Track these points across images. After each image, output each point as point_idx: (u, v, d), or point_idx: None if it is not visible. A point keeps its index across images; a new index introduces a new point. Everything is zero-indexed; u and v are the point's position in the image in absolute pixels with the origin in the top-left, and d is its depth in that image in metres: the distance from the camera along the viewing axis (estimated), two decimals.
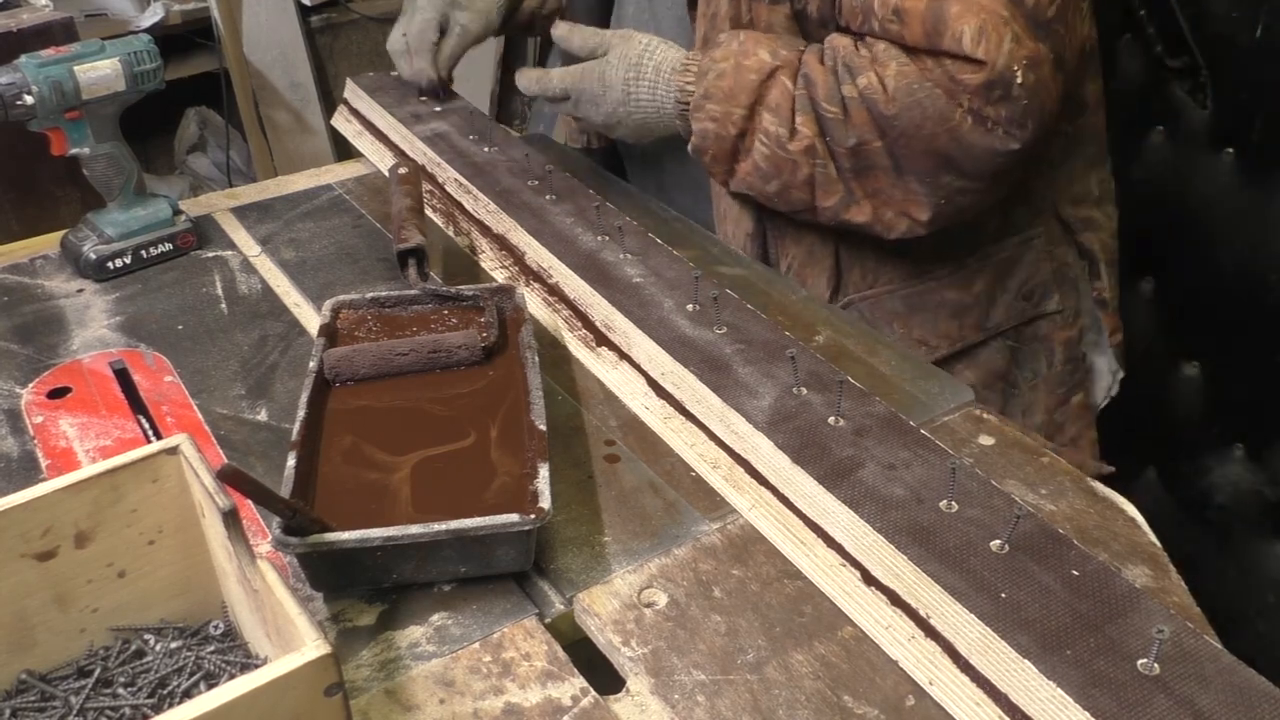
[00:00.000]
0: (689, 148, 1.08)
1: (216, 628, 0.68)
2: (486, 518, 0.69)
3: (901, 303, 1.12)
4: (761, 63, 1.00)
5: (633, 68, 1.10)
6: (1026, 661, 0.60)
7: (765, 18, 1.06)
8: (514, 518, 0.69)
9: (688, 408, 0.85)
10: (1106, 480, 0.82)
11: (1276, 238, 1.22)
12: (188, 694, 0.63)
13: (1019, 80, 0.89)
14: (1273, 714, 0.58)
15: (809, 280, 1.11)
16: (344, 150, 2.18)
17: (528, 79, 1.20)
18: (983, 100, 0.90)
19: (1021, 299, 1.15)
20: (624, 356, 0.92)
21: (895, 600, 0.67)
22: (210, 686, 0.60)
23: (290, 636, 0.56)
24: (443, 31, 1.32)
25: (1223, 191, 1.27)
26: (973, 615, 0.63)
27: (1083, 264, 1.19)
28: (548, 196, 1.12)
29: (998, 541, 0.68)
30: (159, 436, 0.88)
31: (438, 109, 1.33)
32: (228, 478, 0.60)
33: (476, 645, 0.68)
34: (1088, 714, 0.57)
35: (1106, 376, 1.23)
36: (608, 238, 1.04)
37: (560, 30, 1.20)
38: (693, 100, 1.04)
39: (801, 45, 1.02)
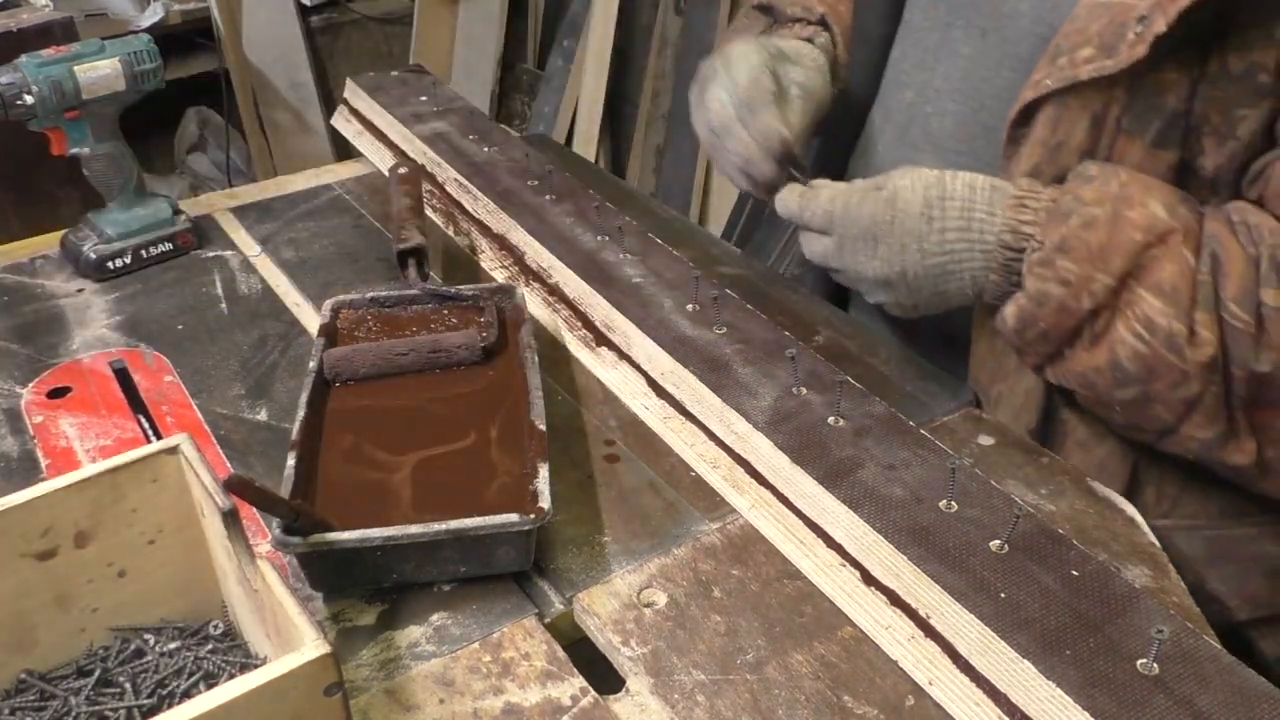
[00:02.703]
0: (1007, 316, 0.78)
1: (216, 628, 0.68)
2: (486, 518, 0.69)
3: (1203, 545, 0.84)
4: (1152, 219, 0.72)
5: (934, 185, 0.79)
6: (1026, 661, 0.60)
7: (1136, 161, 0.76)
8: (514, 518, 0.69)
9: (687, 408, 0.85)
10: None
11: None
12: (187, 694, 0.63)
13: None
14: (1272, 714, 0.58)
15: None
16: (344, 150, 2.18)
17: (790, 197, 0.87)
18: None
19: None
20: (624, 356, 0.92)
21: (895, 600, 0.67)
22: (210, 686, 0.60)
23: (290, 636, 0.56)
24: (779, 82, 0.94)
25: None
26: (972, 615, 0.63)
27: None
28: (548, 196, 1.12)
29: (997, 541, 0.68)
30: (159, 436, 0.88)
31: (437, 109, 1.33)
32: (234, 487, 0.60)
33: (476, 645, 0.68)
34: (1087, 714, 0.58)
35: None
36: (608, 238, 1.04)
37: (788, 199, 0.86)
38: (1038, 251, 0.75)
39: (1197, 205, 0.75)
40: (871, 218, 0.80)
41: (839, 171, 1.03)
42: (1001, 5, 0.85)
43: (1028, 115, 0.80)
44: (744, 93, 0.90)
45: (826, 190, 0.84)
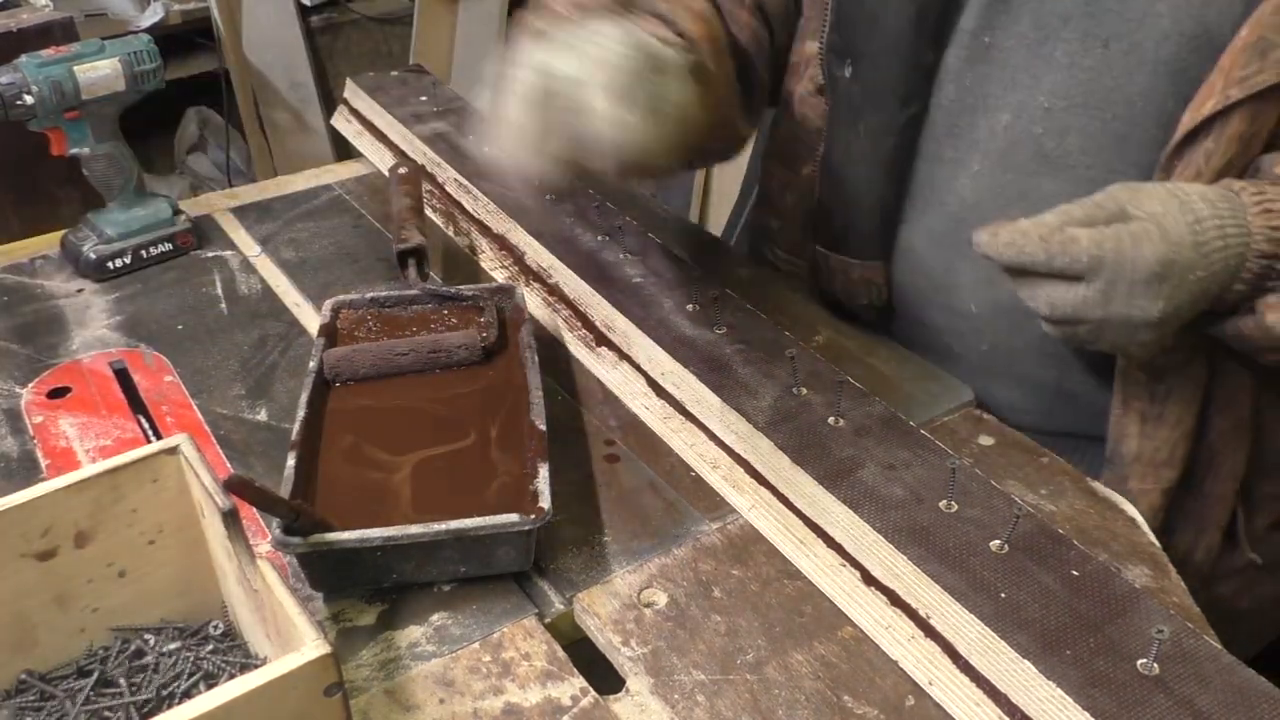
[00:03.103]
0: (1275, 323, 0.74)
1: (216, 628, 0.68)
2: (486, 518, 0.69)
3: None
4: None
5: (1186, 206, 0.72)
6: (1026, 661, 0.60)
7: None
8: (514, 518, 0.69)
9: (688, 408, 0.85)
10: None
11: None
12: (187, 694, 0.63)
13: None
14: (1272, 714, 0.58)
15: (1200, 542, 0.84)
16: (344, 150, 2.18)
17: (1023, 241, 0.72)
18: None
19: None
20: (624, 356, 0.92)
21: (895, 600, 0.67)
22: (210, 686, 0.60)
23: (290, 636, 0.56)
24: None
25: None
26: (972, 615, 0.63)
27: None
28: (548, 196, 1.12)
29: (997, 541, 0.68)
30: (159, 436, 0.88)
31: (437, 109, 1.33)
32: (234, 488, 0.60)
33: (476, 645, 0.68)
34: (1087, 714, 0.58)
35: None
36: (608, 238, 1.04)
37: (1012, 238, 0.72)
38: None
39: None
40: (1155, 258, 0.70)
41: (890, 213, 0.95)
42: (1127, 11, 0.82)
43: (1209, 121, 0.77)
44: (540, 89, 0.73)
45: (1085, 233, 0.72)
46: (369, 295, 0.94)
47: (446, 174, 1.20)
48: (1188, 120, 0.77)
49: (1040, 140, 0.86)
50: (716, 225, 2.46)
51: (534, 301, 1.02)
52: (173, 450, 0.64)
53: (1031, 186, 0.85)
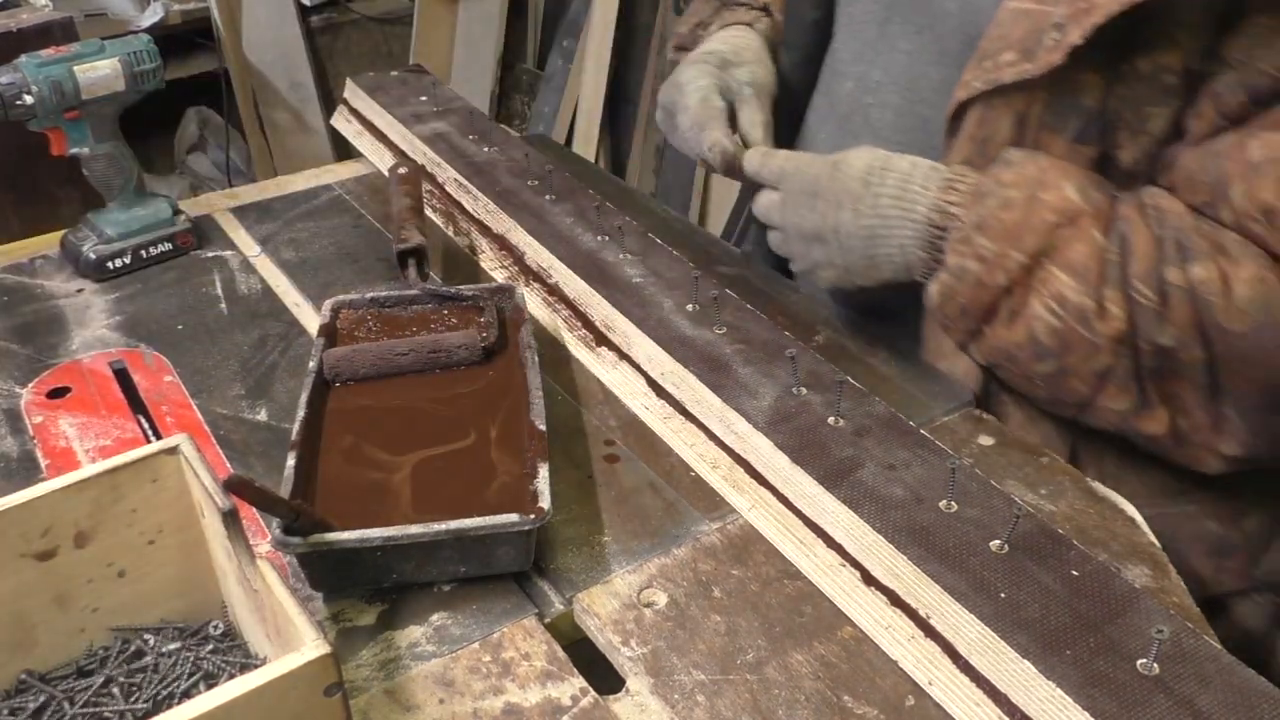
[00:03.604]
0: (931, 292, 0.83)
1: (216, 628, 0.68)
2: (486, 518, 0.69)
3: (1146, 512, 0.85)
4: (1065, 202, 0.76)
5: (880, 158, 0.84)
6: (1026, 661, 0.60)
7: (1060, 155, 0.81)
8: (514, 518, 0.69)
9: (687, 408, 0.85)
10: None
11: None
12: (187, 694, 0.63)
13: None
14: (1272, 714, 0.58)
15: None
16: (344, 150, 2.18)
17: (753, 154, 0.92)
18: None
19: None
20: (624, 356, 0.92)
21: (895, 600, 0.67)
22: (210, 686, 0.60)
23: (290, 636, 0.56)
24: (732, 105, 0.99)
25: None
26: (972, 615, 0.63)
27: None
28: (548, 196, 1.12)
29: (997, 541, 0.68)
30: (159, 436, 0.88)
31: (437, 109, 1.33)
32: (233, 488, 0.60)
33: (476, 645, 0.68)
34: (1087, 714, 0.58)
35: None
36: (608, 238, 1.04)
37: (752, 157, 0.92)
38: (959, 229, 0.79)
39: (1112, 190, 0.79)
40: (815, 175, 0.86)
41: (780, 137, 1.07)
42: (933, 4, 0.90)
43: (960, 113, 0.84)
44: (695, 117, 0.96)
45: (783, 152, 0.90)
46: (369, 295, 0.94)
47: (446, 174, 1.20)
48: (948, 113, 0.85)
49: (869, 110, 0.96)
50: (716, 225, 2.46)
51: (534, 301, 1.02)
52: (172, 450, 0.64)
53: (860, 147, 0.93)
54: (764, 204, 0.90)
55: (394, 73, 1.44)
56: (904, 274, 0.85)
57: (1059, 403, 0.83)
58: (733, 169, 0.94)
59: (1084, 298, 0.75)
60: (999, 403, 0.89)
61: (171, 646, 0.66)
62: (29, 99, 1.00)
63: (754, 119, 0.97)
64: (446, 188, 1.20)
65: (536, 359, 0.84)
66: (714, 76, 0.99)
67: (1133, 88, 0.78)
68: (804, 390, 0.83)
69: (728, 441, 0.81)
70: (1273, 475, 0.85)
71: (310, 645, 0.54)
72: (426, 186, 1.20)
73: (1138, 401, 0.78)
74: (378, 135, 1.33)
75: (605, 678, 0.67)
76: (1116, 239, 0.76)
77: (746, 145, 0.95)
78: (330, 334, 0.90)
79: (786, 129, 1.06)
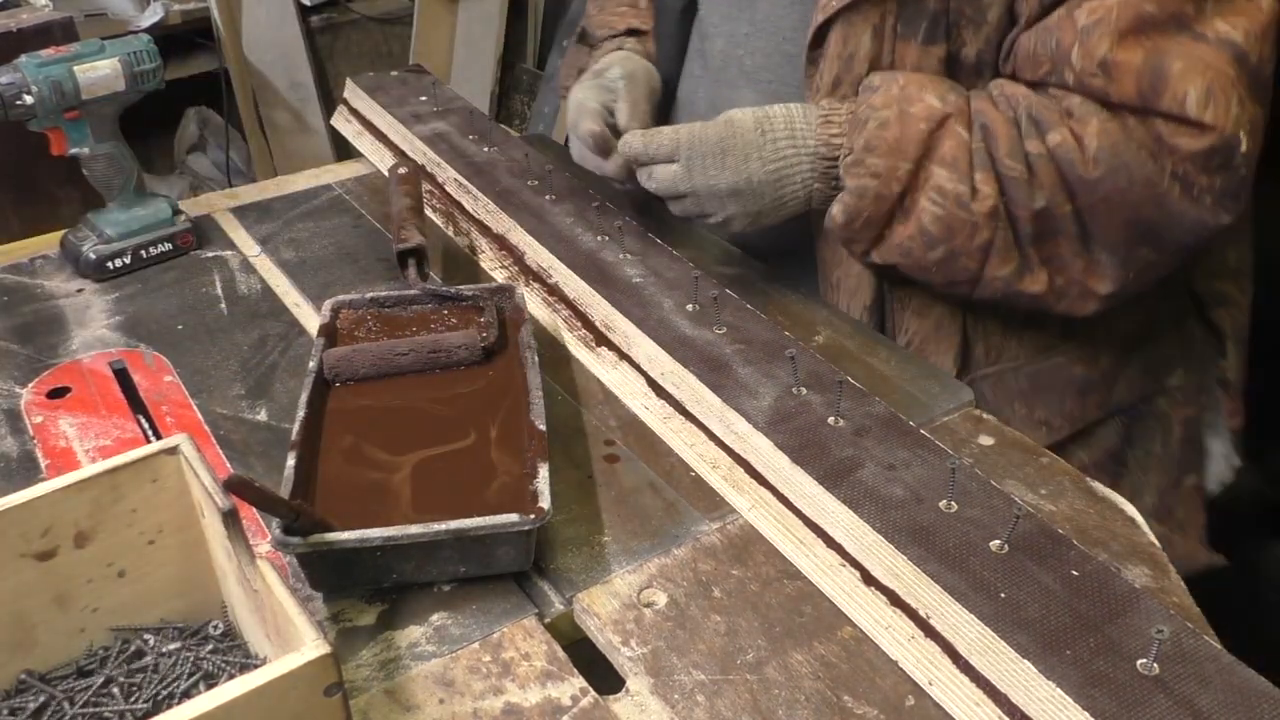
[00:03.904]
0: (835, 214, 0.92)
1: (216, 628, 0.68)
2: (486, 518, 0.69)
3: (1027, 380, 1.00)
4: (930, 109, 0.87)
5: (760, 110, 0.94)
6: (1026, 661, 0.60)
7: (913, 60, 0.92)
8: (514, 518, 0.69)
9: (687, 408, 0.85)
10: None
11: None
12: (187, 694, 0.63)
13: (1242, 149, 0.81)
14: (1272, 714, 0.58)
15: (931, 356, 0.99)
16: (344, 150, 2.18)
17: (631, 138, 0.98)
18: (1197, 169, 0.82)
19: (1145, 374, 1.05)
20: (624, 356, 0.92)
21: (895, 600, 0.67)
22: (210, 687, 0.60)
23: (290, 636, 0.56)
24: (611, 113, 1.08)
25: None
26: (972, 615, 0.63)
27: (1210, 340, 1.09)
28: (547, 196, 1.12)
29: (997, 541, 0.68)
30: (159, 436, 0.88)
31: (437, 109, 1.33)
32: (233, 488, 0.60)
33: (476, 645, 0.68)
34: (1087, 714, 0.58)
35: (1220, 461, 1.12)
36: (608, 238, 1.04)
37: (627, 139, 0.98)
38: (849, 155, 0.90)
39: (963, 90, 0.91)
40: (718, 136, 0.93)
41: (664, 121, 1.17)
42: None
43: (821, 36, 0.94)
44: (572, 120, 1.07)
45: (668, 128, 0.96)
46: (369, 295, 0.94)
47: (446, 174, 1.20)
48: (809, 36, 0.95)
49: (741, 60, 1.06)
50: None
51: (534, 301, 1.02)
52: (172, 450, 0.64)
53: (736, 97, 1.05)
54: (665, 177, 0.96)
55: (394, 73, 1.44)
56: (804, 206, 0.96)
57: (952, 283, 0.92)
58: (605, 151, 1.03)
59: (959, 185, 0.87)
60: (894, 295, 1.00)
61: (171, 646, 0.66)
62: (29, 99, 1.00)
63: (633, 107, 1.07)
64: (446, 188, 1.20)
65: (536, 359, 0.84)
66: (590, 87, 1.09)
67: None
68: (804, 390, 0.83)
69: (728, 441, 0.81)
70: (1118, 318, 0.99)
71: (310, 645, 0.54)
72: (426, 186, 1.20)
73: (1020, 266, 0.89)
74: (378, 135, 1.33)
75: (605, 678, 0.67)
76: (979, 130, 0.88)
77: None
78: (330, 334, 0.90)
79: (665, 105, 1.17)
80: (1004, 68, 0.92)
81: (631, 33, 1.20)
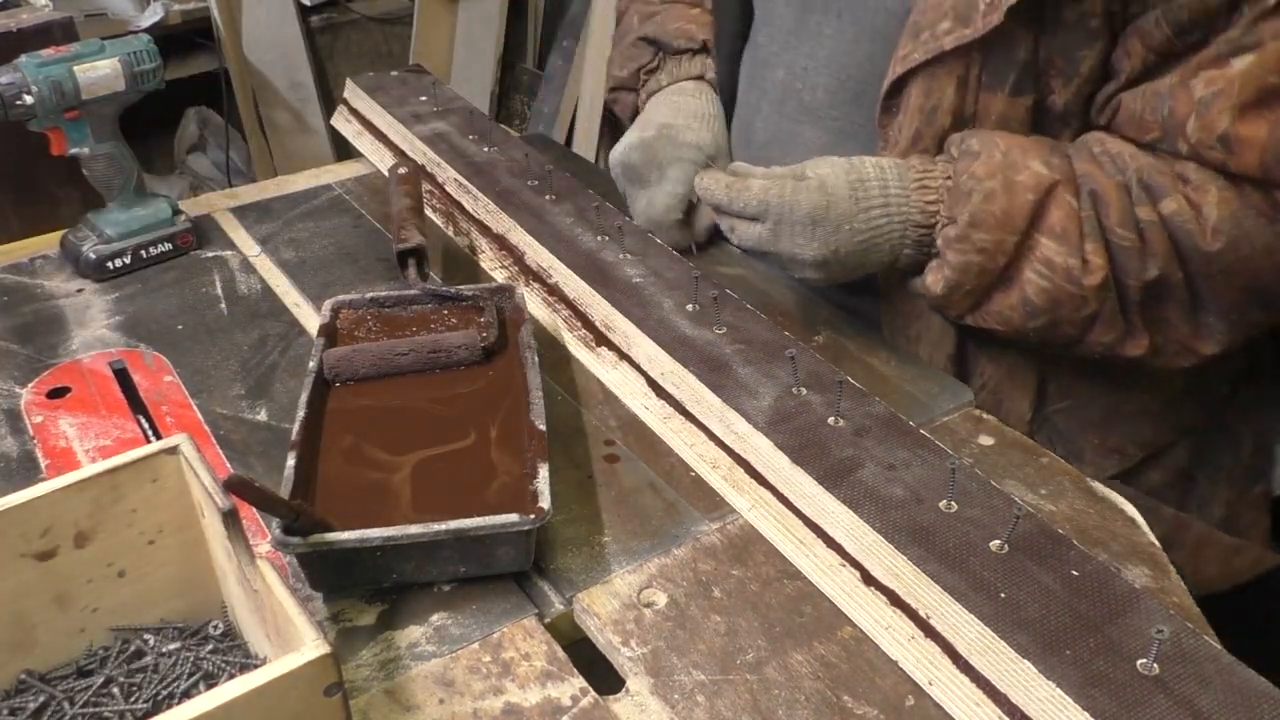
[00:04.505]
0: (931, 285, 0.89)
1: (216, 628, 0.68)
2: (486, 518, 0.69)
3: (1099, 412, 0.99)
4: (1038, 178, 0.83)
5: (852, 170, 0.88)
6: (1026, 661, 0.60)
7: (999, 111, 0.88)
8: (514, 518, 0.69)
9: (687, 408, 0.85)
10: None
11: None
12: (187, 694, 0.63)
13: None
14: (1273, 714, 0.58)
15: (1006, 399, 0.97)
16: (344, 150, 2.18)
17: (714, 185, 0.92)
18: None
19: (1214, 392, 1.04)
20: (624, 356, 0.92)
21: (895, 600, 0.67)
22: (210, 687, 0.60)
23: (290, 636, 0.56)
24: (692, 204, 1.09)
25: None
26: (972, 615, 0.63)
27: (1276, 351, 1.07)
28: (547, 196, 1.12)
29: (997, 542, 0.68)
30: (159, 436, 0.88)
31: (437, 109, 1.33)
32: (234, 488, 0.60)
33: (476, 645, 0.68)
34: (1087, 714, 0.58)
35: None
36: (607, 238, 1.04)
37: (708, 184, 0.93)
38: (951, 227, 0.86)
39: (1065, 151, 0.87)
40: (810, 206, 0.87)
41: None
42: None
43: (899, 87, 0.90)
44: (660, 217, 1.09)
45: (756, 181, 0.90)
46: (369, 295, 0.94)
47: (446, 174, 1.20)
48: (884, 88, 0.90)
49: (801, 94, 1.02)
50: None
51: (534, 301, 1.02)
52: (172, 450, 0.64)
53: (797, 132, 1.02)
54: (749, 236, 0.91)
55: (394, 73, 1.44)
56: (889, 266, 0.92)
57: (1049, 344, 0.90)
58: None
59: (1068, 258, 0.83)
60: (973, 341, 0.97)
61: (171, 646, 0.66)
62: (29, 99, 1.00)
63: (701, 228, 1.10)
64: (446, 188, 1.20)
65: (536, 359, 0.84)
66: (688, 186, 1.07)
67: (1061, 35, 0.85)
68: (804, 390, 0.83)
69: (728, 441, 0.81)
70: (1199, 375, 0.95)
71: (310, 645, 0.54)
72: (426, 186, 1.20)
73: (1123, 333, 0.87)
74: (378, 135, 1.33)
75: (605, 678, 0.67)
76: (1088, 197, 0.84)
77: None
78: (330, 334, 0.90)
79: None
80: (1096, 119, 0.89)
81: (705, 48, 1.15)
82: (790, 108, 1.03)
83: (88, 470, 0.63)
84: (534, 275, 1.04)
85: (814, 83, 1.00)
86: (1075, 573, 0.66)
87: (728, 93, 1.13)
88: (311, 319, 1.02)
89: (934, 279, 0.88)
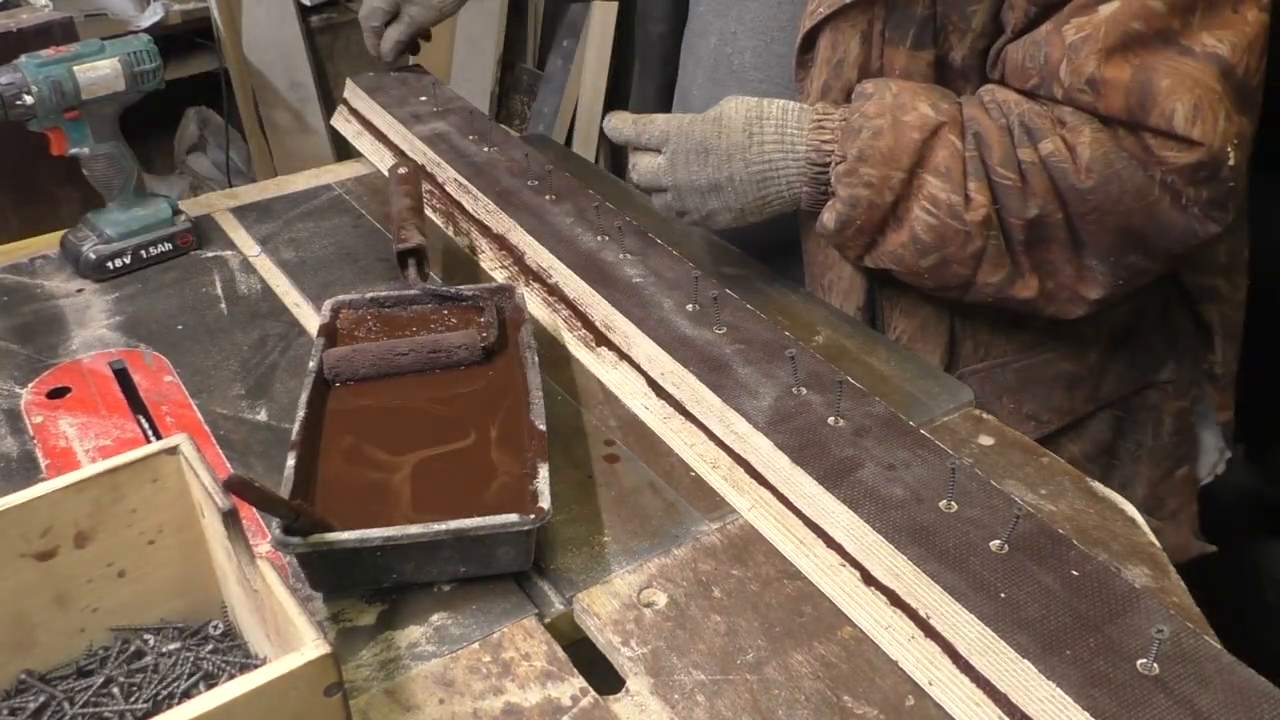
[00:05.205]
0: (826, 221, 0.93)
1: (216, 628, 0.68)
2: (486, 518, 0.69)
3: (1015, 376, 1.02)
4: (924, 118, 0.88)
5: (754, 108, 0.93)
6: (1026, 661, 0.60)
7: (902, 65, 0.92)
8: (514, 518, 0.69)
9: (687, 408, 0.85)
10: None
11: None
12: (187, 694, 0.63)
13: (1230, 162, 0.82)
14: (1272, 714, 0.58)
15: (919, 353, 1.00)
16: (344, 150, 2.18)
17: (621, 123, 0.99)
18: (1185, 181, 0.83)
19: (1133, 368, 1.07)
20: (624, 356, 0.92)
21: (895, 600, 0.67)
22: (210, 687, 0.60)
23: (290, 636, 0.56)
24: (394, 17, 1.32)
25: None
26: (972, 615, 0.63)
27: (1199, 334, 1.11)
28: (547, 196, 1.12)
29: (997, 541, 0.68)
30: (158, 436, 0.88)
31: (437, 109, 1.33)
32: (234, 487, 0.60)
33: (476, 645, 0.68)
34: (1087, 714, 0.58)
35: (1213, 453, 1.15)
36: (608, 238, 1.04)
37: (616, 123, 1.00)
38: (842, 164, 0.90)
39: (955, 97, 0.91)
40: (702, 134, 0.94)
41: (664, 110, 1.20)
42: None
43: (810, 42, 0.95)
44: (362, 19, 1.35)
45: (661, 116, 0.97)
46: (369, 295, 0.94)
47: (446, 174, 1.20)
48: (797, 42, 0.96)
49: (730, 59, 1.08)
50: None
51: (534, 301, 1.02)
52: (172, 450, 0.64)
53: (728, 97, 1.01)
54: (650, 167, 0.97)
55: (394, 73, 1.44)
56: (790, 206, 0.96)
57: (943, 288, 0.93)
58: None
59: (952, 194, 0.87)
60: (885, 295, 1.01)
61: (171, 646, 0.66)
62: (29, 99, 1.00)
63: (390, 41, 1.33)
64: (446, 188, 1.20)
65: (536, 359, 0.84)
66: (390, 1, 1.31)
67: None
68: (804, 390, 0.83)
69: (728, 441, 0.81)
70: (1105, 314, 0.99)
71: (310, 645, 0.54)
72: (426, 186, 1.20)
73: (1011, 273, 0.90)
74: (378, 135, 1.33)
75: (605, 678, 0.67)
76: (972, 139, 0.88)
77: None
78: (330, 334, 0.90)
79: (663, 93, 1.24)
80: (992, 74, 0.93)
81: None
82: (721, 73, 1.09)
83: (88, 470, 0.63)
84: (534, 275, 1.04)
85: (741, 46, 1.06)
86: (1075, 573, 0.66)
87: (669, 58, 1.22)
88: (311, 319, 1.02)
89: (828, 215, 0.92)
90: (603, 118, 2.86)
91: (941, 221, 0.88)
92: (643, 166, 0.98)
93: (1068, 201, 0.86)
